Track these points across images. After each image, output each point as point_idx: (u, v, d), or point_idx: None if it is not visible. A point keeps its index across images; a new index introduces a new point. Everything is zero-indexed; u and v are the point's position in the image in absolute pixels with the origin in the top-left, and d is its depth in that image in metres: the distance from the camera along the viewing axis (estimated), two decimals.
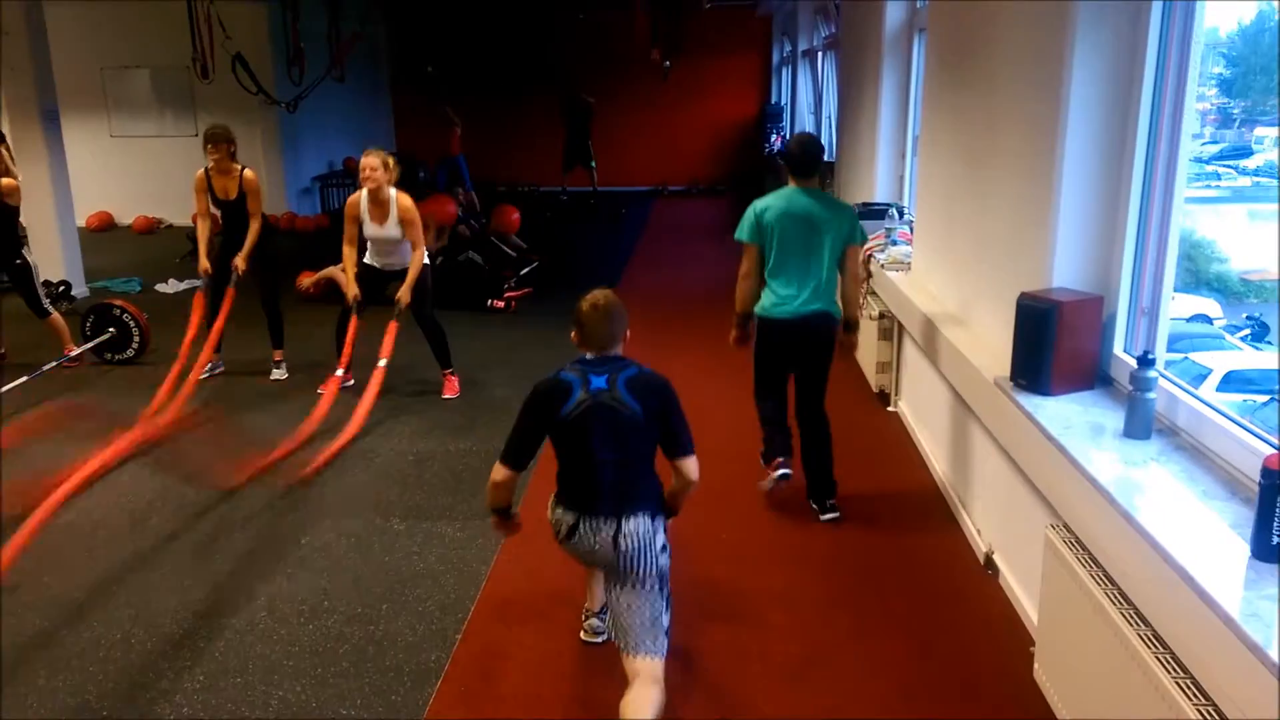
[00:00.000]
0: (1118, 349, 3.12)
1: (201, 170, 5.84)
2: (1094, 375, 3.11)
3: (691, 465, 2.75)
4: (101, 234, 12.69)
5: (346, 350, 5.63)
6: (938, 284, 4.66)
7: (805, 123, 11.98)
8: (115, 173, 13.06)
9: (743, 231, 4.05)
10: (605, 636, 3.18)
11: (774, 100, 16.16)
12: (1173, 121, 2.87)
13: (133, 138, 13.24)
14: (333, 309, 5.89)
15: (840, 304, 4.12)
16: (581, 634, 3.23)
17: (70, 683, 3.00)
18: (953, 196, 4.42)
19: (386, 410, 5.43)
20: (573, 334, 2.78)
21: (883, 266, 5.43)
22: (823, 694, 2.95)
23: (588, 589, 3.26)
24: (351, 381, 5.87)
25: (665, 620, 2.76)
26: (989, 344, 3.68)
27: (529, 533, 3.96)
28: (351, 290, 5.59)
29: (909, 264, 5.30)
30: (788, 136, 14.08)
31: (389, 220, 5.50)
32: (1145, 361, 2.68)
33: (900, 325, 5.26)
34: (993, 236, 3.81)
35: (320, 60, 12.54)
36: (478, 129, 15.18)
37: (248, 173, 5.86)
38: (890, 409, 5.48)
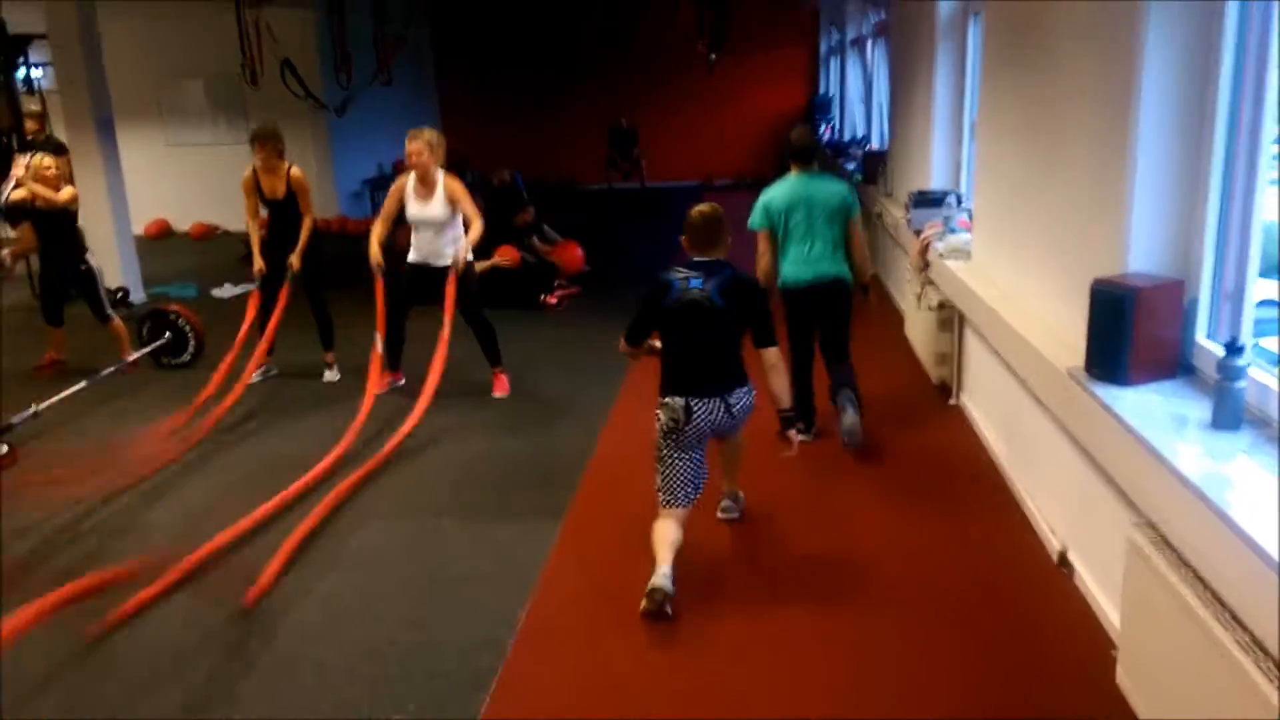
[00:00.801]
0: (1200, 336, 2.94)
1: (249, 170, 5.87)
2: (1175, 364, 2.94)
3: (772, 353, 3.51)
4: (159, 241, 12.93)
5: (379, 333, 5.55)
6: (1001, 272, 4.48)
7: (855, 113, 11.78)
8: (172, 180, 13.30)
9: (755, 220, 4.69)
10: (668, 599, 3.17)
11: (822, 92, 15.94)
12: (1256, 92, 2.68)
13: (187, 146, 13.47)
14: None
15: (851, 270, 4.68)
16: (643, 603, 3.16)
17: (122, 688, 2.98)
18: (1015, 181, 4.25)
19: (436, 410, 5.38)
20: (683, 239, 3.50)
21: (941, 256, 5.26)
22: (888, 692, 2.83)
23: (657, 553, 3.29)
24: (403, 381, 5.86)
25: None
26: (1059, 333, 3.51)
27: (580, 532, 3.91)
28: (377, 258, 5.49)
29: (969, 252, 5.12)
30: (837, 128, 13.88)
31: (435, 199, 5.46)
32: (1234, 349, 2.52)
33: (961, 316, 5.09)
34: (1061, 220, 3.64)
35: (367, 64, 12.62)
36: (523, 126, 15.22)
37: (295, 171, 5.87)
38: (952, 402, 5.31)
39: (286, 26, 11.04)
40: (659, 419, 3.45)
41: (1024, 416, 3.94)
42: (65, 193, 6.17)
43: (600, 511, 4.13)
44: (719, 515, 3.90)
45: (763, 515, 3.99)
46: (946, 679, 2.90)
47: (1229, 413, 2.54)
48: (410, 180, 5.49)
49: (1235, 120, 2.75)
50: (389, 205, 5.59)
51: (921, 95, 6.70)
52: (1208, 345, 2.89)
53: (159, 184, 13.03)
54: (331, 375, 6.19)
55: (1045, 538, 3.68)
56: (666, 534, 3.34)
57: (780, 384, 3.53)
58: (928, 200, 5.89)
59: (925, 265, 5.57)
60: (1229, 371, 2.52)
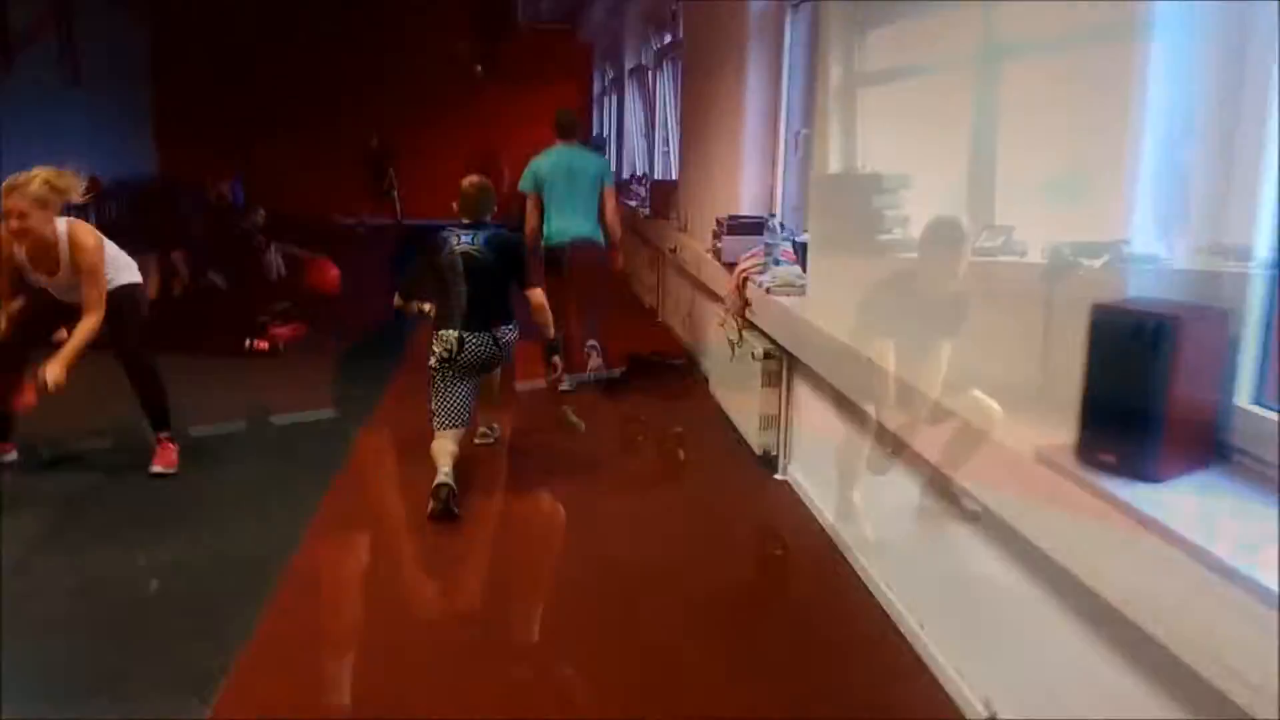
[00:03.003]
0: (1242, 399, 1.88)
1: None
2: (1211, 446, 1.86)
3: (537, 293, 3.99)
4: None
5: None
6: (856, 313, 3.39)
7: (637, 148, 10.84)
8: None
9: (525, 184, 5.47)
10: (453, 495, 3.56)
11: (595, 133, 15.01)
12: None
13: None
14: None
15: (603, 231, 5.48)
16: (430, 504, 3.50)
17: None
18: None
19: (53, 489, 3.60)
20: (455, 206, 4.00)
21: (768, 291, 4.15)
22: None
23: (437, 460, 3.66)
24: (13, 455, 4.02)
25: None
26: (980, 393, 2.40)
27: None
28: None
29: (802, 288, 4.05)
30: (616, 167, 12.96)
31: (62, 270, 3.83)
32: None
33: (791, 367, 4.01)
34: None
35: (41, 58, 10.25)
36: (262, 148, 13.25)
37: None
38: (779, 477, 4.18)
39: None
40: (434, 352, 3.79)
41: (914, 513, 2.81)
42: None
43: (277, 676, 2.57)
44: (476, 441, 4.24)
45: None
46: None
47: None
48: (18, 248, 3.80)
49: None
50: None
51: (727, 111, 5.70)
52: (1259, 413, 1.84)
53: None
54: None
55: (957, 693, 2.53)
56: (444, 446, 3.70)
57: (545, 318, 3.98)
58: (743, 227, 4.81)
59: (745, 304, 4.44)
60: None
